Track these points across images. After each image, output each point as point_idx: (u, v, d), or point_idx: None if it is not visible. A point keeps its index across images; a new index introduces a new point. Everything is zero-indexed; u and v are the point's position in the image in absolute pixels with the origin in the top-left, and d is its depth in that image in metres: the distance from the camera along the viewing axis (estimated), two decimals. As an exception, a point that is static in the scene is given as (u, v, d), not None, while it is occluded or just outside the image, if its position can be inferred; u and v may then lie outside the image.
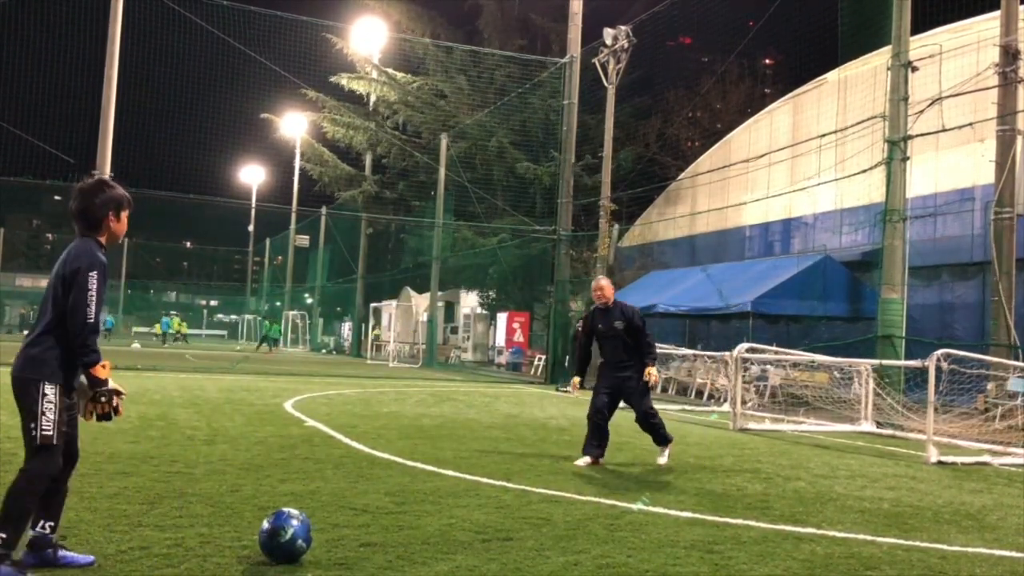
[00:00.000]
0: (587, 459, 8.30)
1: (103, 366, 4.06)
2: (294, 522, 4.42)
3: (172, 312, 59.59)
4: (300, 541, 4.41)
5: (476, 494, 6.49)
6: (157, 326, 52.35)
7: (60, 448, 4.09)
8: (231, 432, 9.55)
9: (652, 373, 8.52)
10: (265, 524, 4.46)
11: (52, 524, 4.20)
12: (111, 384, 4.10)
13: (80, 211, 4.21)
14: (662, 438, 8.69)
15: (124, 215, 4.33)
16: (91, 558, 4.27)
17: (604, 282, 8.86)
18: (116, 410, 4.13)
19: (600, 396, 8.57)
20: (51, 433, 4.01)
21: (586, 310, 26.98)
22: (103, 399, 4.05)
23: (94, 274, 4.03)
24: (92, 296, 4.01)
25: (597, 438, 8.42)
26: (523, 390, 21.02)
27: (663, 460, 8.60)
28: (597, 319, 8.76)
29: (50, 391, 4.01)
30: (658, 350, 20.63)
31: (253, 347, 44.80)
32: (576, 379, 9.00)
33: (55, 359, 4.03)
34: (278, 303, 64.36)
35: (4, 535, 3.93)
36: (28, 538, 4.17)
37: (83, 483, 6.14)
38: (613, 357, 8.66)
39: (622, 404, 8.78)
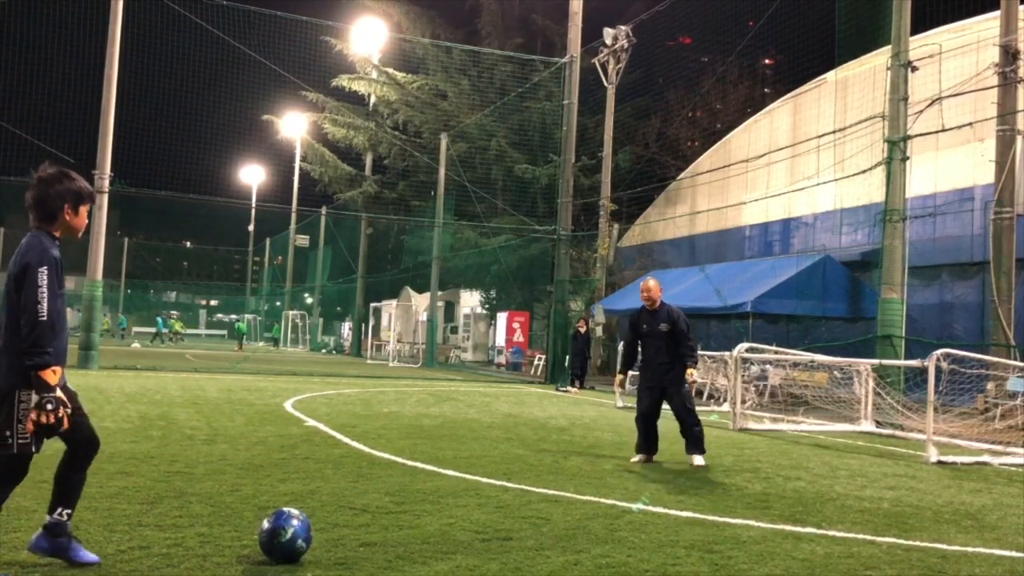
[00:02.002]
0: (639, 456, 8.74)
1: (53, 371, 3.80)
2: (294, 522, 4.42)
3: (172, 312, 59.53)
4: (300, 541, 4.42)
5: (476, 494, 6.49)
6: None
7: (31, 457, 3.99)
8: (231, 432, 9.55)
9: (693, 374, 8.69)
10: (265, 524, 4.46)
11: (69, 512, 4.18)
12: (58, 392, 3.84)
13: (35, 201, 4.04)
14: (698, 447, 8.67)
15: (83, 209, 4.12)
16: (97, 558, 4.27)
17: (652, 283, 8.91)
18: (61, 422, 3.83)
19: (644, 400, 8.83)
20: (28, 442, 3.87)
21: (586, 309, 27.10)
22: (48, 407, 3.76)
23: (43, 270, 3.84)
24: (43, 292, 3.79)
25: (645, 438, 8.78)
26: (523, 390, 21.03)
27: (700, 462, 8.62)
28: (643, 319, 8.91)
29: (27, 398, 3.84)
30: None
31: (256, 347, 44.83)
32: (620, 377, 9.38)
33: (33, 347, 3.81)
34: (278, 303, 64.35)
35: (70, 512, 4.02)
36: (44, 522, 4.17)
37: (83, 483, 6.15)
38: (655, 358, 8.82)
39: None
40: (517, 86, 32.51)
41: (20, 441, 3.85)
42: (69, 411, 3.91)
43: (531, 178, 33.78)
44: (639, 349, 9.07)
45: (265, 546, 4.42)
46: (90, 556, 4.22)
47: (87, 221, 4.22)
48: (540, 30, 39.39)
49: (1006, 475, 9.07)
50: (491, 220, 32.39)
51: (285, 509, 4.56)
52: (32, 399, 3.80)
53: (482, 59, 34.93)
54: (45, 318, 3.78)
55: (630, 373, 9.79)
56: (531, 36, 39.49)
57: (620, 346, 9.72)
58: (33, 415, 3.78)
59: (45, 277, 3.82)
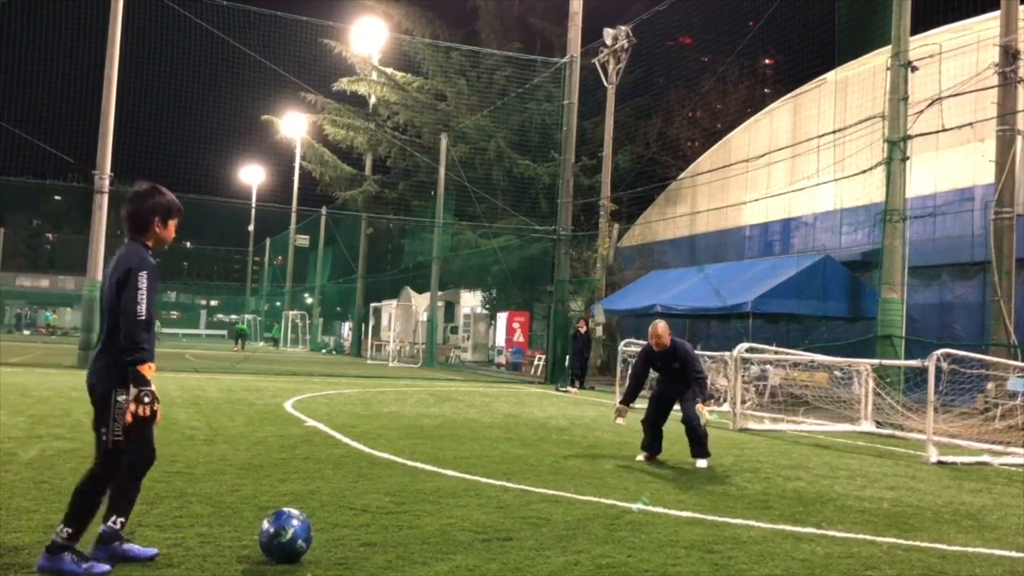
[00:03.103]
0: (644, 455, 8.90)
1: (149, 367, 4.08)
2: (294, 522, 4.43)
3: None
4: (300, 541, 4.42)
5: (476, 494, 6.49)
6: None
7: (124, 453, 4.19)
8: (231, 432, 9.55)
9: (705, 411, 8.69)
10: (265, 524, 4.47)
11: (122, 520, 4.28)
12: (153, 387, 4.11)
13: (129, 214, 4.32)
14: (703, 450, 8.73)
15: (172, 223, 4.41)
16: (154, 551, 4.36)
17: (661, 329, 8.94)
18: (155, 415, 4.11)
19: (652, 409, 9.01)
20: (121, 439, 4.13)
21: (586, 309, 27.08)
22: (146, 399, 4.04)
23: (144, 274, 4.11)
24: (142, 294, 4.07)
25: (651, 438, 8.94)
26: (523, 390, 21.03)
27: (704, 465, 8.64)
28: (656, 357, 9.06)
29: (122, 398, 4.11)
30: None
31: (256, 347, 44.84)
32: (621, 407, 9.24)
33: (129, 347, 4.07)
34: (278, 303, 64.34)
35: (72, 529, 4.10)
36: (97, 533, 4.25)
37: (83, 483, 6.15)
38: (669, 384, 9.12)
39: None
40: (517, 87, 32.52)
41: (115, 437, 4.11)
42: (158, 405, 4.13)
43: (532, 177, 33.79)
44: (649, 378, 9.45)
45: (265, 547, 4.42)
46: (145, 551, 4.34)
47: (174, 234, 4.48)
48: (539, 31, 39.39)
49: (1006, 475, 9.07)
50: (491, 220, 32.41)
51: (285, 509, 4.57)
52: (131, 393, 4.05)
53: (482, 60, 34.93)
54: (143, 318, 4.07)
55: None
56: (530, 37, 39.50)
57: (629, 371, 9.54)
58: (132, 407, 4.03)
59: (145, 281, 4.10)
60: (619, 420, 9.10)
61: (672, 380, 9.04)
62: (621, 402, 9.29)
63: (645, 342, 9.29)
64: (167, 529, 4.94)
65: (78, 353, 21.16)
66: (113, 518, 4.21)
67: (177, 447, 8.18)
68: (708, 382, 9.35)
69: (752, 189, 25.62)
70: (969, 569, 4.95)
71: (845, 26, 22.03)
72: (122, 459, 4.19)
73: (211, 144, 32.81)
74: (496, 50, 34.79)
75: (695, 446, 8.71)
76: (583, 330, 22.42)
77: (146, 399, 4.02)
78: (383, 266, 47.99)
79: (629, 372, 9.65)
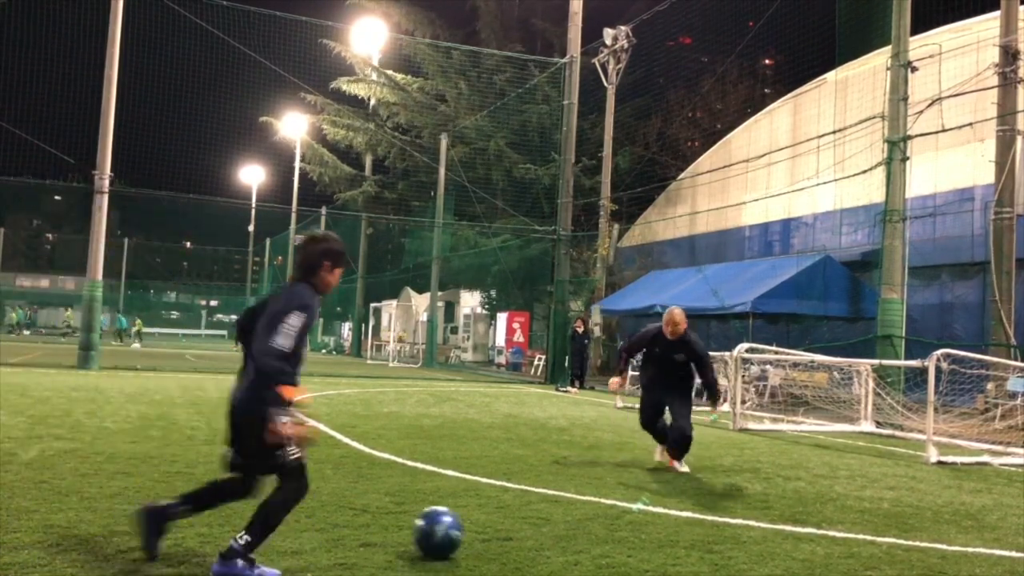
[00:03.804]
0: (659, 450, 8.66)
1: (290, 390, 4.12)
2: (445, 519, 4.65)
3: (141, 313, 60.03)
4: (454, 532, 4.63)
5: (476, 494, 6.49)
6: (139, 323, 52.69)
7: (305, 467, 4.30)
8: (231, 432, 9.54)
9: (718, 409, 8.72)
10: (419, 522, 4.67)
11: (251, 540, 4.26)
12: (293, 409, 4.16)
13: (303, 256, 4.48)
14: (683, 454, 8.36)
15: (338, 271, 4.56)
16: (277, 572, 4.25)
17: (679, 315, 8.34)
18: (303, 439, 4.19)
19: (646, 412, 8.56)
20: (297, 455, 4.22)
21: (586, 310, 27.10)
22: (283, 420, 4.08)
23: (302, 315, 4.19)
24: (293, 330, 4.13)
25: (660, 436, 8.58)
26: (523, 390, 21.02)
27: (684, 468, 8.23)
28: (658, 343, 8.48)
29: (282, 418, 4.14)
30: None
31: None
32: (616, 379, 8.85)
33: (275, 374, 4.13)
34: (278, 303, 64.15)
35: (250, 538, 4.14)
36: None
37: (83, 483, 6.15)
38: (663, 379, 8.49)
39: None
40: (517, 87, 32.52)
41: (293, 456, 4.21)
42: (306, 430, 4.21)
43: (532, 178, 33.79)
44: (641, 365, 8.85)
45: (425, 548, 4.61)
46: (271, 572, 4.27)
47: (337, 282, 4.63)
48: (539, 32, 39.38)
49: (1006, 475, 9.07)
50: (491, 220, 32.40)
51: (433, 508, 4.79)
52: (269, 414, 4.08)
53: (482, 61, 34.92)
54: (287, 351, 4.11)
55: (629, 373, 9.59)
56: (530, 38, 39.51)
57: (624, 350, 9.08)
58: (269, 430, 4.05)
59: (299, 319, 4.18)
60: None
61: (664, 376, 8.40)
62: (621, 358, 9.00)
63: None
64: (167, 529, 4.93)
65: (78, 353, 21.16)
66: (242, 534, 4.18)
67: (177, 447, 8.18)
68: (718, 379, 8.89)
69: (752, 189, 25.61)
70: (969, 569, 4.95)
71: (845, 26, 22.03)
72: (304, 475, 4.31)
73: (211, 144, 32.84)
74: (496, 50, 34.79)
75: (677, 449, 8.31)
76: (581, 330, 22.44)
77: (282, 419, 4.06)
78: (383, 266, 47.98)
79: (621, 347, 9.07)
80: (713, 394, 8.49)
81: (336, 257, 4.51)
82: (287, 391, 4.07)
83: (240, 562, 4.08)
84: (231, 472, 4.42)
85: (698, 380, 8.60)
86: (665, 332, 8.33)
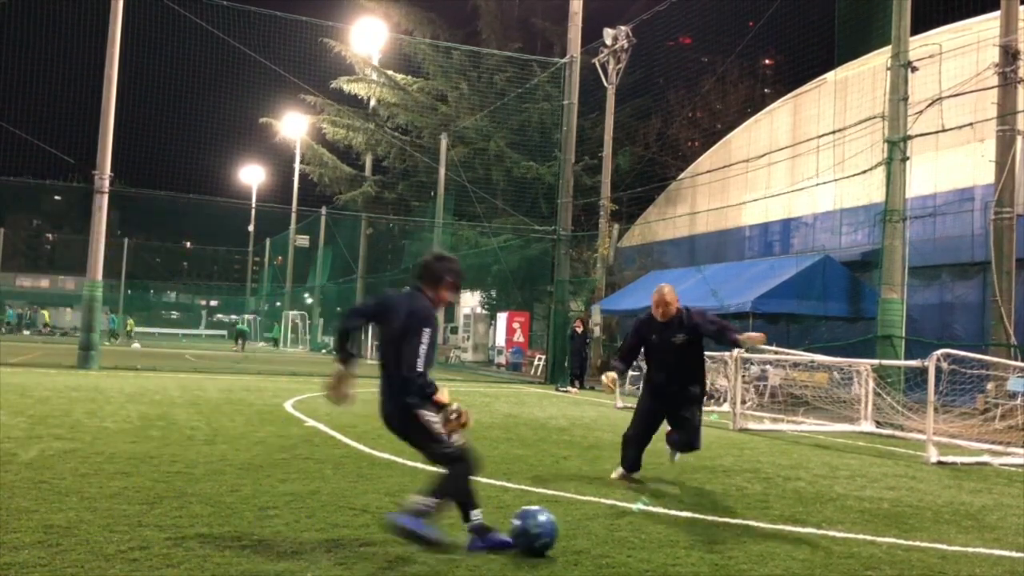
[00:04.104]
0: (620, 472, 7.45)
1: (440, 393, 4.75)
2: (540, 517, 4.86)
3: (131, 313, 60.21)
4: (545, 538, 4.80)
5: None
6: (131, 322, 52.79)
7: (470, 451, 4.90)
8: (231, 432, 9.55)
9: (755, 339, 6.99)
10: (516, 522, 4.86)
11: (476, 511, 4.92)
12: (452, 404, 4.78)
13: (431, 267, 5.07)
14: (680, 451, 7.59)
15: (455, 290, 5.17)
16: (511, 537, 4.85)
17: (668, 292, 7.24)
18: (465, 422, 4.79)
19: (639, 423, 7.42)
20: (460, 441, 4.82)
21: (586, 310, 27.09)
22: (453, 416, 4.73)
23: (428, 331, 4.74)
24: (424, 349, 4.69)
25: (634, 457, 7.42)
26: (523, 390, 21.02)
27: (678, 457, 7.78)
28: (651, 330, 7.33)
29: (429, 415, 4.78)
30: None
31: (256, 347, 44.83)
32: (611, 375, 7.50)
33: (417, 392, 4.75)
34: (278, 303, 64.32)
35: (477, 511, 4.86)
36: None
37: (83, 483, 6.15)
38: (663, 378, 7.33)
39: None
40: (517, 87, 32.51)
41: (453, 444, 4.80)
42: (468, 413, 4.80)
43: (533, 177, 33.77)
44: (641, 363, 8.04)
45: (522, 547, 4.77)
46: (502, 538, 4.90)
47: (450, 300, 5.22)
48: (540, 32, 39.38)
49: (1006, 475, 9.07)
50: (491, 220, 32.40)
51: (529, 508, 4.99)
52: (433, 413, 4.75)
53: (482, 61, 34.92)
54: (420, 371, 4.69)
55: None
56: (531, 38, 39.51)
57: (618, 350, 7.90)
58: (449, 425, 4.73)
59: (428, 338, 4.73)
60: (614, 388, 7.53)
61: (669, 370, 7.25)
62: (612, 370, 7.56)
63: None
64: (167, 529, 4.94)
65: (78, 353, 21.16)
66: (474, 517, 4.88)
67: (177, 447, 8.17)
68: (728, 323, 7.63)
69: (752, 189, 25.62)
70: (969, 569, 4.94)
71: (845, 26, 22.05)
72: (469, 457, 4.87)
73: (211, 144, 32.87)
74: (496, 51, 34.79)
75: (683, 447, 7.45)
76: (580, 330, 22.44)
77: (452, 416, 4.69)
78: (383, 266, 47.99)
79: (619, 347, 7.87)
80: (736, 340, 7.08)
81: (457, 277, 5.11)
82: (436, 398, 4.71)
83: (490, 533, 4.86)
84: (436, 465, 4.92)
85: (719, 383, 7.79)
86: (655, 315, 7.28)
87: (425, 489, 4.70)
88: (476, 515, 4.85)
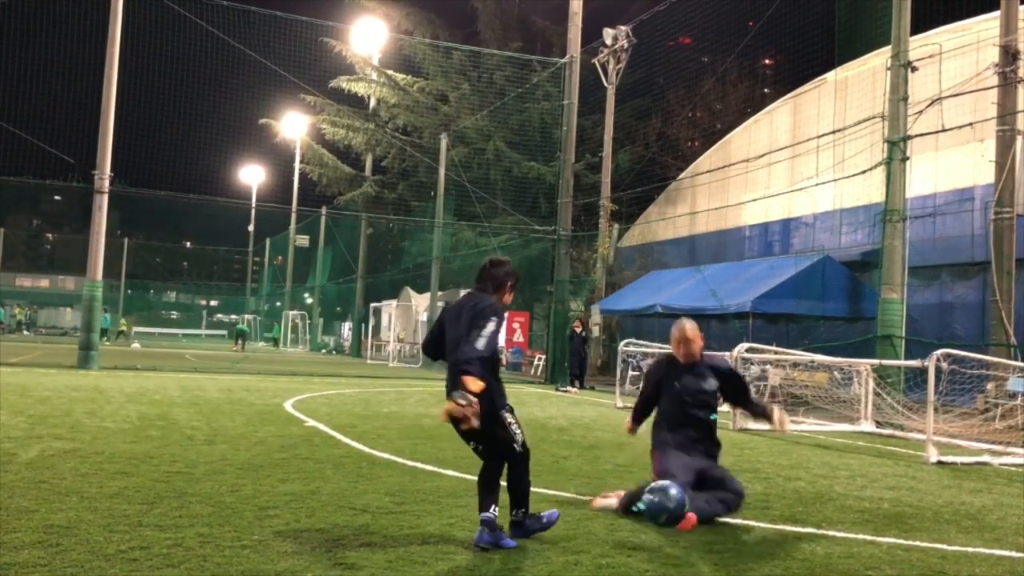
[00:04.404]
0: (615, 499, 6.14)
1: (474, 380, 4.71)
2: (675, 490, 5.44)
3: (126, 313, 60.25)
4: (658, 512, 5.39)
5: (475, 494, 6.47)
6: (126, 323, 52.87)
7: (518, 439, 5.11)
8: (231, 432, 9.55)
9: (785, 423, 6.27)
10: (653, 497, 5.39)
11: (523, 511, 5.17)
12: (471, 398, 4.70)
13: (494, 276, 5.29)
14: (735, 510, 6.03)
15: (514, 291, 5.36)
16: (555, 512, 5.35)
17: (691, 329, 6.22)
18: (467, 420, 4.69)
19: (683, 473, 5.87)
20: (523, 439, 5.13)
21: (586, 310, 27.08)
22: (463, 402, 4.66)
23: (496, 319, 4.93)
24: (489, 332, 4.85)
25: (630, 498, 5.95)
26: (523, 390, 21.02)
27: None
28: (673, 373, 6.22)
29: (507, 416, 5.06)
30: (659, 350, 20.59)
31: (256, 347, 44.83)
32: (630, 424, 6.52)
33: (495, 387, 4.95)
34: (278, 303, 64.34)
35: (524, 508, 5.17)
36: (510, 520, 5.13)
37: (83, 483, 6.15)
38: (688, 434, 6.09)
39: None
40: (517, 87, 32.51)
41: (516, 438, 5.06)
42: (476, 414, 4.74)
43: (534, 177, 33.75)
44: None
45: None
46: (552, 515, 5.30)
47: (510, 301, 5.39)
48: (539, 32, 39.38)
49: (1006, 475, 9.07)
50: (491, 220, 32.40)
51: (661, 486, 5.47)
52: (454, 395, 4.75)
53: (482, 61, 34.92)
54: (480, 349, 4.79)
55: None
56: (530, 38, 39.48)
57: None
58: (449, 405, 4.71)
59: (494, 325, 4.90)
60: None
61: (697, 426, 6.11)
62: (633, 419, 6.55)
63: (645, 342, 8.42)
64: (167, 529, 4.94)
65: (78, 353, 21.16)
66: (515, 511, 5.17)
67: (177, 447, 8.18)
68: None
69: (752, 189, 25.62)
70: (969, 569, 4.95)
71: (845, 26, 22.04)
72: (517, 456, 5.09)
73: (211, 144, 32.86)
74: (496, 51, 34.79)
75: (736, 505, 5.99)
76: (579, 330, 22.45)
77: (462, 402, 4.65)
78: (383, 266, 47.99)
79: (636, 402, 6.64)
80: (765, 411, 6.36)
81: (516, 279, 5.37)
82: (471, 382, 4.68)
83: (528, 523, 5.15)
84: (479, 455, 5.17)
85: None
86: (676, 355, 6.28)
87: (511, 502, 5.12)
88: (495, 511, 4.95)
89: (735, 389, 6.38)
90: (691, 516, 5.56)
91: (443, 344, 5.19)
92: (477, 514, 5.01)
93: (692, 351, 6.21)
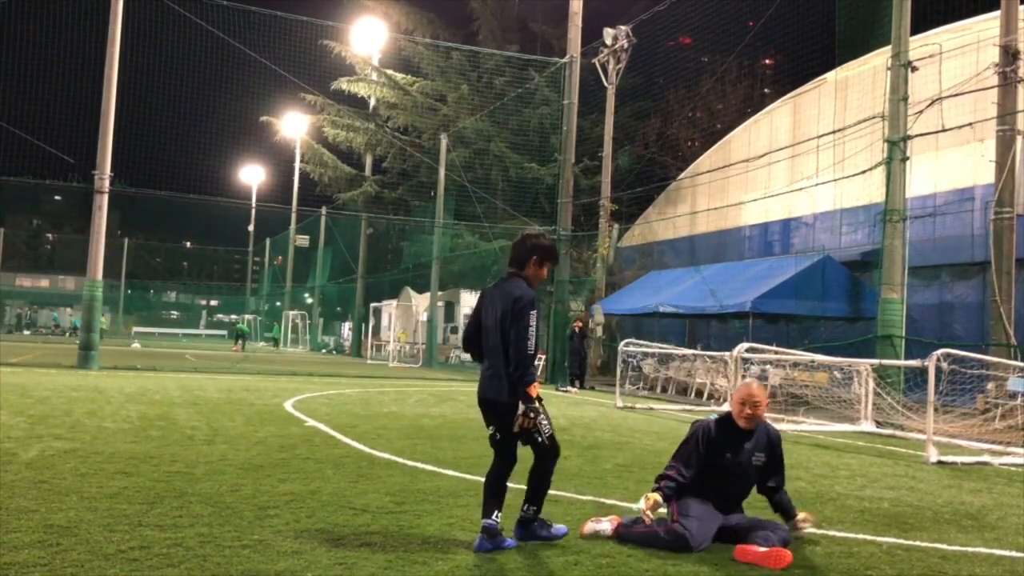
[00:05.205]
0: (608, 527, 5.37)
1: (534, 387, 4.78)
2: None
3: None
4: None
5: (476, 494, 6.46)
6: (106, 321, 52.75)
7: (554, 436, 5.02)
8: (231, 432, 9.55)
9: (807, 521, 5.54)
10: None
11: (535, 508, 5.06)
12: (536, 404, 4.80)
13: (515, 251, 5.10)
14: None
15: (546, 267, 5.09)
16: (564, 528, 5.15)
17: (758, 391, 5.47)
18: (539, 428, 4.84)
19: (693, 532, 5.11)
20: (551, 432, 4.96)
21: (586, 310, 27.07)
22: (531, 415, 4.76)
23: (533, 313, 4.82)
24: (531, 331, 4.79)
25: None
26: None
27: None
28: (723, 440, 5.38)
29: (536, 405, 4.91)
30: (659, 350, 20.55)
31: (256, 347, 44.82)
32: (655, 498, 5.25)
33: (525, 373, 4.83)
34: (278, 303, 64.35)
35: (536, 506, 5.05)
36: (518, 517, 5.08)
37: (83, 483, 6.15)
38: (727, 498, 5.43)
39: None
40: (516, 88, 32.51)
41: (547, 436, 4.96)
42: (548, 421, 4.90)
43: (534, 178, 33.76)
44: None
45: None
46: (560, 529, 5.15)
47: (544, 277, 5.16)
48: (539, 33, 39.37)
49: (1006, 475, 9.07)
50: (491, 221, 32.40)
51: None
52: (520, 409, 4.80)
53: (481, 61, 34.92)
54: (531, 352, 4.79)
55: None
56: (530, 39, 39.49)
57: (671, 466, 5.39)
58: (519, 420, 4.78)
59: (533, 320, 4.82)
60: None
61: (740, 490, 5.50)
62: (658, 493, 5.28)
63: (645, 343, 7.80)
64: (167, 529, 4.94)
65: (78, 353, 21.16)
66: (527, 506, 5.05)
67: (177, 447, 8.18)
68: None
69: (752, 189, 25.62)
70: (969, 569, 4.95)
71: (845, 26, 22.04)
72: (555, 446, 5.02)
73: (211, 144, 32.90)
74: (496, 51, 34.79)
75: (783, 541, 5.14)
76: (578, 330, 22.45)
77: (531, 414, 4.75)
78: (383, 266, 48.00)
79: (669, 468, 5.42)
80: (790, 511, 5.56)
81: (543, 252, 5.04)
82: (532, 389, 4.76)
83: (535, 524, 5.03)
84: (494, 445, 5.11)
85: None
86: (737, 420, 5.42)
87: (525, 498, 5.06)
88: (497, 517, 4.89)
89: (777, 470, 5.60)
90: (784, 553, 4.82)
91: (480, 336, 5.11)
92: (478, 516, 5.00)
93: (757, 415, 5.41)
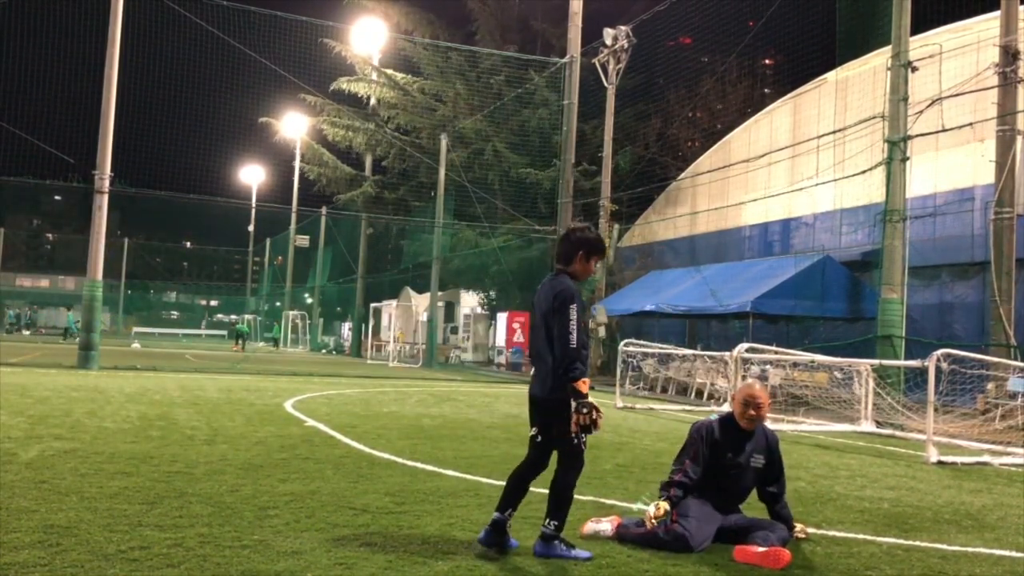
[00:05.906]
0: (605, 530, 5.38)
1: (583, 382, 4.64)
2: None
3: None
4: None
5: (476, 494, 6.48)
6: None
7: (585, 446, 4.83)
8: (231, 432, 9.55)
9: (801, 529, 5.54)
10: None
11: (556, 523, 4.78)
12: (590, 399, 4.64)
13: (561, 246, 5.00)
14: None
15: (594, 260, 4.96)
16: (589, 554, 4.78)
17: (761, 393, 5.53)
18: (595, 423, 4.63)
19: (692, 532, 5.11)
20: (584, 437, 4.79)
21: (587, 311, 27.06)
22: (584, 411, 4.60)
23: (574, 306, 4.69)
24: (573, 324, 4.67)
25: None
26: (523, 390, 20.98)
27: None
28: (726, 439, 5.44)
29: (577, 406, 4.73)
30: (659, 350, 20.52)
31: (256, 347, 44.82)
32: (664, 506, 5.19)
33: (572, 368, 4.67)
34: (278, 303, 64.36)
35: (557, 521, 4.76)
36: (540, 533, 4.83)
37: (83, 483, 6.15)
38: (727, 498, 5.48)
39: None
40: (516, 88, 32.52)
41: (582, 439, 4.77)
42: (601, 415, 4.68)
43: (532, 182, 33.78)
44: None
45: None
46: (581, 554, 4.77)
47: (594, 271, 5.10)
48: (539, 33, 39.36)
49: (1006, 475, 9.07)
50: (491, 221, 32.41)
51: None
52: (572, 406, 4.64)
53: (481, 61, 34.92)
54: (575, 346, 4.64)
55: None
56: (530, 39, 39.47)
57: (678, 470, 5.40)
58: (575, 418, 4.63)
59: (575, 313, 4.70)
60: (652, 522, 5.08)
61: (738, 490, 5.54)
62: (664, 500, 5.26)
63: (645, 343, 8.02)
64: (167, 529, 4.94)
65: (78, 353, 21.16)
66: (547, 520, 4.77)
67: (177, 447, 8.17)
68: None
69: (752, 189, 25.62)
70: (969, 569, 4.95)
71: (845, 26, 22.06)
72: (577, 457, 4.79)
73: (211, 144, 32.91)
74: (496, 51, 34.78)
75: (783, 540, 5.21)
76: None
77: (584, 410, 4.59)
78: (383, 266, 48.00)
79: (675, 471, 5.43)
80: (789, 520, 5.53)
81: (590, 246, 4.92)
82: (582, 385, 4.61)
83: (558, 543, 4.75)
84: (532, 445, 4.93)
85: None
86: (739, 421, 5.49)
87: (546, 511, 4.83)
88: (509, 514, 4.82)
89: (777, 471, 5.60)
90: (783, 552, 4.85)
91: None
92: (478, 516, 5.00)
93: (760, 416, 5.48)
